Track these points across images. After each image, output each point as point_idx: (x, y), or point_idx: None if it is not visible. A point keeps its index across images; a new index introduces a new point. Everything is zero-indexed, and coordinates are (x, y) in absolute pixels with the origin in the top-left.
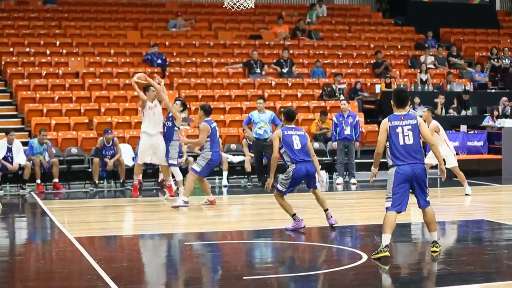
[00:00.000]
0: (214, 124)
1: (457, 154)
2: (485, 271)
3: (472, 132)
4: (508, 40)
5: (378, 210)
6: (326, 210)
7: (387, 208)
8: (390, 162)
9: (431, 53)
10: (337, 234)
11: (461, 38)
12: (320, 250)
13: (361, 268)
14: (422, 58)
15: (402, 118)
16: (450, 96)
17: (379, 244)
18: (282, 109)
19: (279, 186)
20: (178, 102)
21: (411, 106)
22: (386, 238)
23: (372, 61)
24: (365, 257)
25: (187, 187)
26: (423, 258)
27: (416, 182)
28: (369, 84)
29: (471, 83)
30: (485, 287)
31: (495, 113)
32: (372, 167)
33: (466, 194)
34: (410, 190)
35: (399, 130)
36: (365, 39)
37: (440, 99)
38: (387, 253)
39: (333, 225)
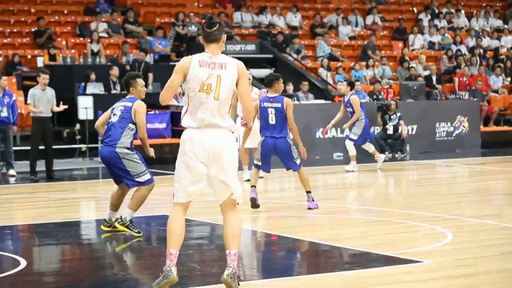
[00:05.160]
0: None
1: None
2: None
3: (153, 112)
4: (195, 4)
5: (37, 206)
6: None
7: None
8: None
9: (103, 19)
10: None
11: (140, 2)
12: None
13: (20, 276)
14: (93, 26)
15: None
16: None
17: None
18: None
19: None
20: None
21: None
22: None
23: (33, 29)
24: (23, 263)
25: None
26: (92, 263)
27: None
28: (29, 56)
29: (151, 54)
30: None
31: (179, 90)
32: None
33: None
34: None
35: None
36: (25, 2)
37: (114, 72)
38: None
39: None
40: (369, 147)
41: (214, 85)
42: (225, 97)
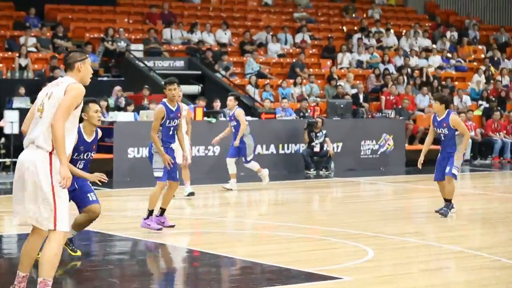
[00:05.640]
0: None
1: None
2: None
3: None
4: (126, 20)
5: None
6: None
7: None
8: None
9: (32, 34)
10: None
11: (70, 17)
12: None
13: None
14: (22, 40)
15: None
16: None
17: None
18: None
19: None
20: None
21: None
22: None
23: None
24: None
25: None
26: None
27: None
28: None
29: None
30: None
31: (104, 103)
32: None
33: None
34: None
35: None
36: None
37: None
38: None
39: None
40: (253, 165)
41: (44, 103)
42: (51, 115)
